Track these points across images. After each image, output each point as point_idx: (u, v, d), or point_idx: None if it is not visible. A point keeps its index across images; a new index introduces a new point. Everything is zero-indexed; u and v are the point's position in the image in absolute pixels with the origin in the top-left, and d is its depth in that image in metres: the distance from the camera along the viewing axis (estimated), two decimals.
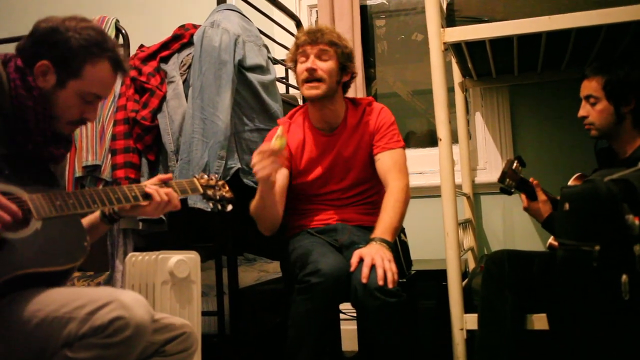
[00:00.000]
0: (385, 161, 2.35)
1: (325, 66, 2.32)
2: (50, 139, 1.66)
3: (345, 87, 2.46)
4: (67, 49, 1.62)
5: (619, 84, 2.24)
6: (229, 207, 2.01)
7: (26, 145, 1.62)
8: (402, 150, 2.40)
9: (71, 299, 1.46)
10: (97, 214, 1.85)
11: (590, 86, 2.30)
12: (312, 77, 2.31)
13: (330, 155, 2.40)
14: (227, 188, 2.04)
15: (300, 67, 2.34)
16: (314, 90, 2.31)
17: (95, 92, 1.68)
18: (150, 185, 1.80)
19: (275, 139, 2.08)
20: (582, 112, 2.34)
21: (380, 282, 1.98)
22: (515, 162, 2.42)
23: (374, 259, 2.03)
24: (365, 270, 2.01)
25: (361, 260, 2.06)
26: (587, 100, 2.32)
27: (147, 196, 1.77)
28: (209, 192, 1.98)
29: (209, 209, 2.15)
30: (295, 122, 2.47)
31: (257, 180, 2.14)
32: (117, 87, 2.58)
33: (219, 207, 2.00)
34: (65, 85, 1.64)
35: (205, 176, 2.02)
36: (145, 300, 1.49)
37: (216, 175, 2.08)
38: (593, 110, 2.30)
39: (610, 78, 2.25)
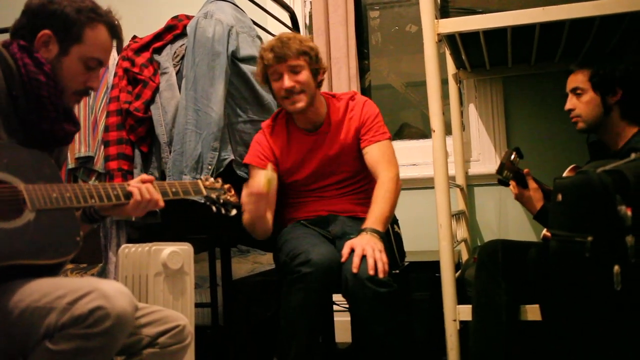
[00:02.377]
0: (373, 154, 2.36)
1: (301, 78, 2.29)
2: (62, 115, 1.67)
3: (320, 84, 2.43)
4: (66, 16, 1.64)
5: (605, 74, 2.26)
6: (233, 212, 1.99)
7: (40, 123, 1.62)
8: (389, 142, 2.41)
9: (53, 289, 1.44)
10: (79, 212, 1.82)
11: (576, 79, 2.33)
12: (292, 93, 2.29)
13: (317, 153, 2.40)
14: (233, 192, 2.02)
15: (276, 85, 2.32)
16: (297, 104, 2.31)
17: (97, 56, 1.70)
18: (133, 183, 1.76)
19: (264, 181, 2.11)
20: (568, 105, 2.36)
21: (371, 272, 1.99)
22: (513, 153, 2.42)
23: (364, 249, 2.04)
24: (356, 260, 2.02)
25: (352, 251, 2.06)
26: (574, 93, 2.34)
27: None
28: (213, 195, 1.96)
29: (203, 201, 2.14)
30: (278, 124, 2.46)
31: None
32: (110, 78, 2.57)
33: (223, 211, 1.98)
34: (68, 52, 1.66)
35: (211, 178, 1.99)
36: (128, 290, 1.47)
37: (216, 168, 2.07)
38: (579, 102, 2.32)
39: (596, 69, 2.28)
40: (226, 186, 2.01)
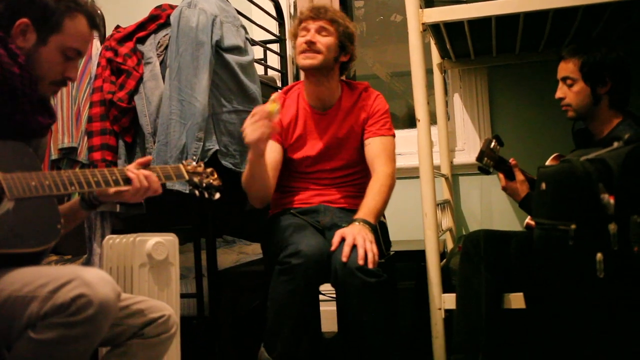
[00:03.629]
0: (374, 146, 2.36)
1: (324, 40, 2.32)
2: (37, 106, 1.65)
3: (343, 69, 2.46)
4: (45, 5, 1.62)
5: (595, 65, 2.26)
6: (217, 196, 1.98)
7: (14, 115, 1.60)
8: (393, 139, 2.42)
9: (34, 278, 1.43)
10: (76, 199, 1.82)
11: (567, 68, 2.32)
12: (310, 49, 2.31)
13: (321, 134, 2.40)
14: (216, 176, 2.01)
15: (300, 40, 2.34)
16: (309, 60, 2.31)
17: (76, 46, 1.68)
18: (132, 169, 1.77)
19: (270, 103, 2.06)
20: (559, 94, 2.37)
21: (361, 262, 1.99)
22: (493, 141, 2.43)
23: (355, 238, 2.04)
24: (346, 250, 2.02)
25: (343, 240, 2.06)
26: (564, 82, 2.34)
27: (128, 180, 1.74)
28: (195, 179, 1.94)
29: (187, 191, 2.12)
30: (290, 97, 2.47)
31: (246, 143, 2.11)
32: (93, 68, 2.55)
33: (206, 195, 1.97)
34: (46, 42, 1.64)
35: (193, 163, 1.98)
36: (110, 277, 1.47)
37: (201, 158, 2.05)
38: (570, 91, 2.32)
39: (586, 60, 2.27)
40: (209, 170, 2.00)
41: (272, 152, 2.32)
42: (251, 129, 2.05)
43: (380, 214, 2.25)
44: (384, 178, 2.28)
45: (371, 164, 2.35)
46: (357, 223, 2.13)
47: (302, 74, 2.47)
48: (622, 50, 2.29)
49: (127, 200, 1.78)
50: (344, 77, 2.53)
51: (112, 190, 1.74)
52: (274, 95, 2.10)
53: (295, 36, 2.40)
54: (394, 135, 2.43)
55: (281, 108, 2.15)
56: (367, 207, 2.20)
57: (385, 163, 2.32)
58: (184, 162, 1.97)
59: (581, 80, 2.29)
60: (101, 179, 1.67)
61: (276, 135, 2.35)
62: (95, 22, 1.74)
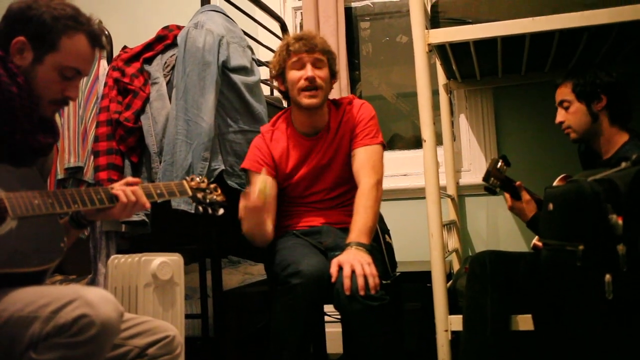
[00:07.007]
0: (359, 158, 2.33)
1: (322, 74, 2.30)
2: (38, 126, 1.64)
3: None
4: (42, 23, 1.60)
5: (587, 83, 2.32)
6: (220, 212, 1.97)
7: (14, 135, 1.59)
8: (379, 147, 2.36)
9: (36, 298, 1.42)
10: (65, 219, 1.79)
11: (562, 92, 2.39)
12: (312, 85, 2.28)
13: (313, 158, 2.38)
14: (219, 192, 2.00)
15: (297, 74, 2.29)
16: (314, 99, 2.29)
17: (74, 65, 1.65)
18: (117, 187, 1.74)
19: (258, 193, 2.07)
20: (559, 118, 2.42)
21: (362, 292, 1.96)
22: (500, 161, 2.43)
23: (352, 265, 2.01)
24: (346, 282, 1.99)
25: (341, 269, 2.05)
26: (562, 106, 2.40)
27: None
28: (199, 195, 1.93)
29: (193, 211, 2.12)
30: (278, 129, 2.44)
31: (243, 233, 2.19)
32: (100, 88, 2.56)
33: (210, 211, 1.96)
34: (42, 61, 1.62)
35: (197, 179, 1.97)
36: (112, 297, 1.45)
37: (207, 178, 2.05)
38: (567, 114, 2.38)
39: (577, 80, 2.34)
40: (212, 186, 1.99)
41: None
42: (248, 222, 2.18)
43: (372, 230, 2.21)
44: (369, 192, 2.24)
45: (356, 176, 2.31)
46: (350, 247, 2.10)
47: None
48: (622, 68, 2.32)
49: (114, 217, 1.75)
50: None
51: (97, 208, 1.70)
52: (263, 173, 2.17)
53: (282, 68, 2.34)
54: (381, 143, 2.37)
55: (269, 180, 2.19)
56: (357, 228, 2.16)
57: (368, 174, 2.28)
58: (187, 178, 1.96)
59: (576, 100, 2.35)
60: (104, 196, 1.66)
61: (269, 170, 2.33)
62: (99, 41, 1.71)
